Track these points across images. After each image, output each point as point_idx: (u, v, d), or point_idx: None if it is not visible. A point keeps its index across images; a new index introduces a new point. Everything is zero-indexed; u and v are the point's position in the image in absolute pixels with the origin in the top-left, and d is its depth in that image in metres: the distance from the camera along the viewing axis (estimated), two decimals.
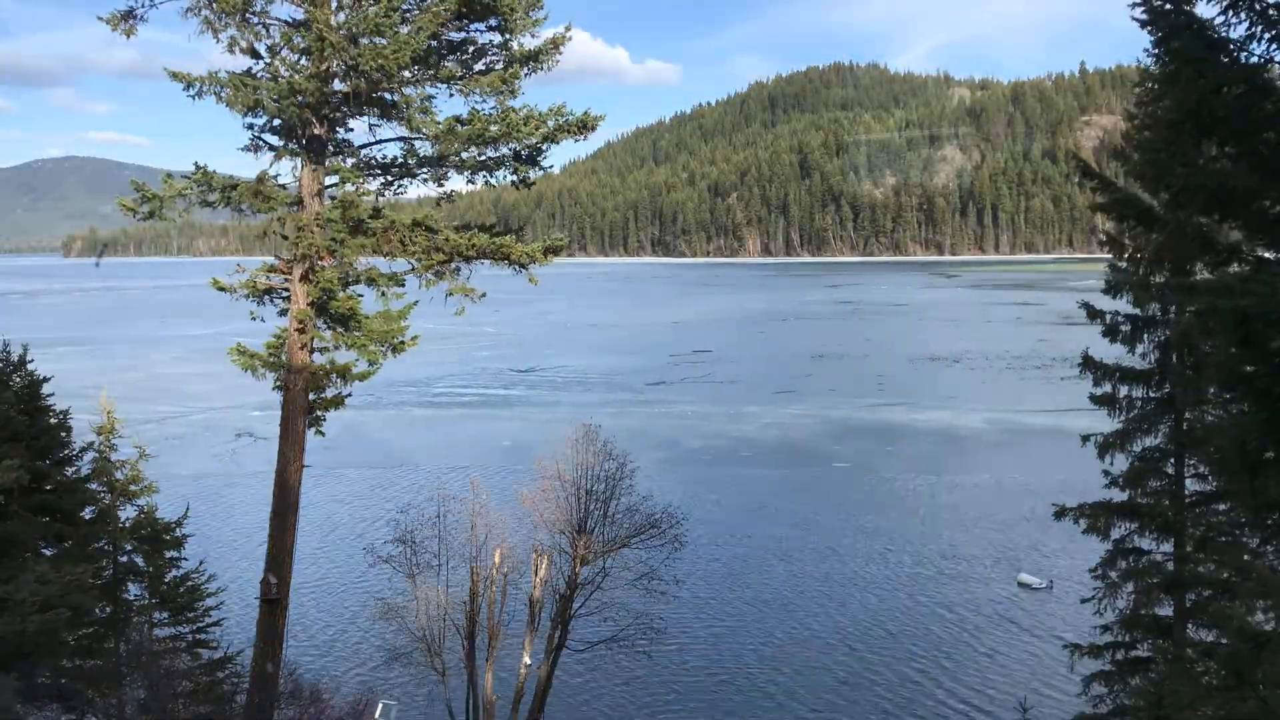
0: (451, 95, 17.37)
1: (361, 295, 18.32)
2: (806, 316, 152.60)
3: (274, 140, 17.11)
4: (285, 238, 17.51)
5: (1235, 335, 8.38)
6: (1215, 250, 10.83)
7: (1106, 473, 19.67)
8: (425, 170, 17.79)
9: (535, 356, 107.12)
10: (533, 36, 16.92)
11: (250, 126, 16.91)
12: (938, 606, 36.03)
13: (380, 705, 26.92)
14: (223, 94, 16.19)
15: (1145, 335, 18.80)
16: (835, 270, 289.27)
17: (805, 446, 62.43)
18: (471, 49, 17.11)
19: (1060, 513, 20.09)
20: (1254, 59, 8.23)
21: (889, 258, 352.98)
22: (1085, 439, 19.94)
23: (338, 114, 17.25)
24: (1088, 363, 19.60)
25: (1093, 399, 19.82)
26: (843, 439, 64.68)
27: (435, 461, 55.36)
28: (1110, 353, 19.64)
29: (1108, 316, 19.10)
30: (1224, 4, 8.06)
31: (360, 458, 58.38)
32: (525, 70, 17.11)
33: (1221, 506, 18.61)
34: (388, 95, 17.13)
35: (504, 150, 17.39)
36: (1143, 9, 8.55)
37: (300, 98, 16.45)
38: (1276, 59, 8.19)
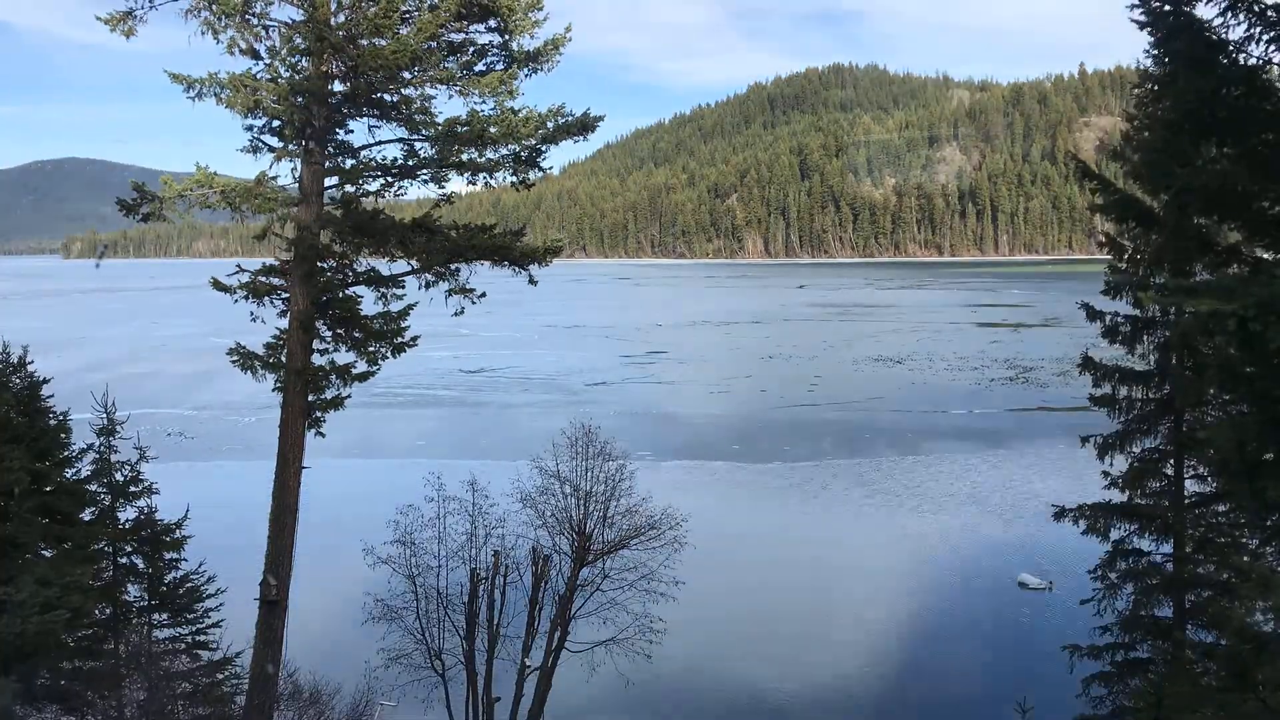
0: (451, 97, 17.40)
1: (361, 296, 18.34)
2: (793, 319, 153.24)
3: (274, 141, 17.13)
4: (285, 239, 17.53)
5: (1235, 336, 8.39)
6: (1215, 251, 10.87)
7: (1106, 474, 19.69)
8: (425, 171, 17.81)
9: (493, 358, 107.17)
10: (532, 37, 16.95)
11: (250, 128, 16.93)
12: (936, 606, 36.02)
13: (380, 706, 26.88)
14: (223, 95, 16.21)
15: (1145, 336, 18.83)
16: (826, 271, 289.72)
17: (778, 446, 62.47)
18: (471, 50, 17.13)
19: (1060, 513, 20.14)
20: (1253, 60, 8.25)
21: (889, 259, 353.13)
22: (1085, 440, 19.97)
23: (337, 115, 17.26)
24: (1087, 363, 19.64)
25: (1092, 400, 19.86)
26: (831, 438, 64.70)
27: (444, 461, 55.42)
28: (1109, 354, 19.66)
29: (1107, 317, 19.13)
30: (1223, 5, 8.08)
31: (359, 457, 58.45)
32: (525, 71, 17.14)
33: (1221, 508, 18.65)
34: (387, 96, 17.15)
35: (503, 151, 17.41)
36: (1142, 10, 8.57)
37: (300, 99, 16.47)
38: (1275, 60, 8.20)
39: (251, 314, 17.61)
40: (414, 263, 17.90)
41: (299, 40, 16.74)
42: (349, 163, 17.87)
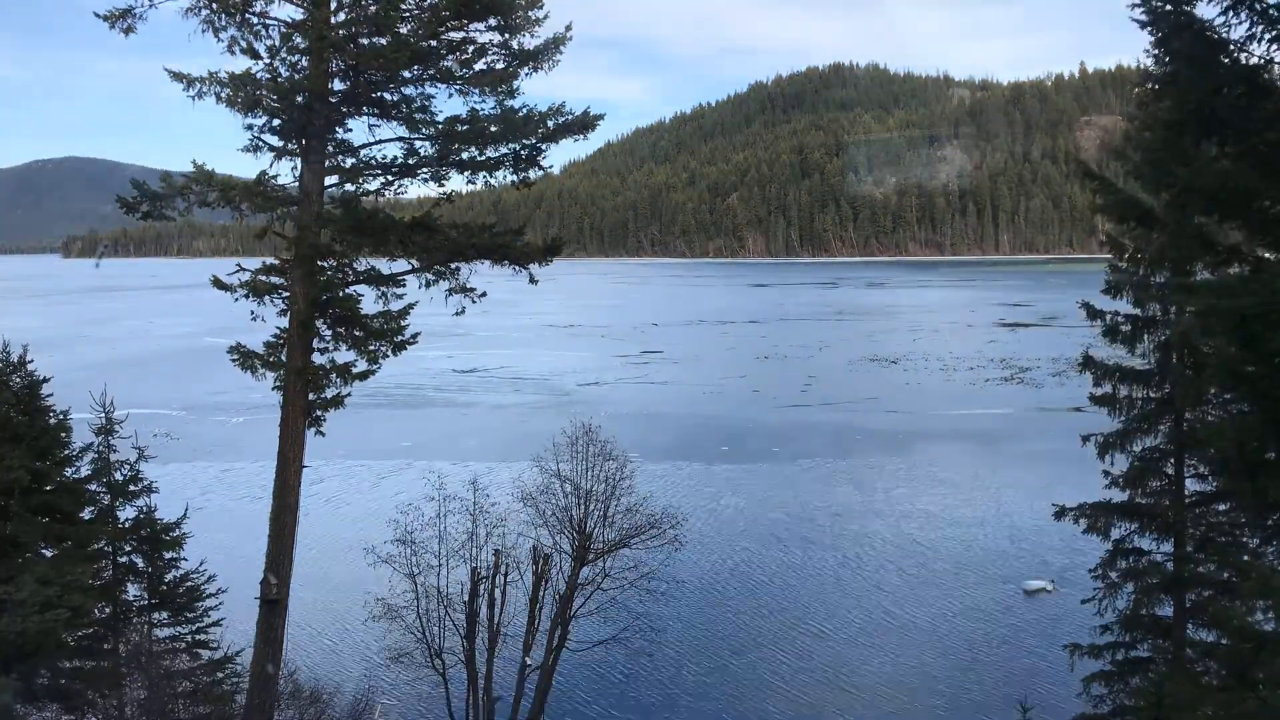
0: (451, 96, 17.39)
1: (361, 295, 18.33)
2: (790, 318, 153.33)
3: (274, 140, 17.11)
4: (285, 238, 17.52)
5: (1235, 336, 8.40)
6: (1215, 250, 10.85)
7: (1106, 473, 19.68)
8: (425, 170, 17.80)
9: (488, 358, 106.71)
10: (533, 36, 16.93)
11: (250, 127, 16.91)
12: (936, 605, 36.03)
13: (380, 705, 26.90)
14: (223, 94, 16.19)
15: (1145, 335, 18.83)
16: (818, 270, 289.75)
17: (780, 447, 62.46)
18: (471, 48, 17.10)
19: (1060, 513, 20.14)
20: (1254, 59, 8.24)
21: (889, 258, 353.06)
22: (1085, 439, 19.97)
23: (337, 114, 17.25)
24: (1088, 362, 19.64)
25: (1093, 399, 19.85)
26: (823, 439, 64.66)
27: (433, 461, 55.50)
28: (1109, 353, 19.65)
29: (1108, 316, 19.13)
30: (1224, 4, 8.06)
31: (361, 457, 58.45)
32: (525, 70, 17.12)
33: (1221, 506, 18.65)
34: (387, 95, 17.14)
35: (503, 150, 17.40)
36: (1143, 9, 8.55)
37: (300, 98, 16.45)
38: (1277, 59, 8.18)
39: (252, 313, 17.58)
40: (414, 262, 17.89)
41: (299, 39, 16.73)
42: (349, 161, 17.86)
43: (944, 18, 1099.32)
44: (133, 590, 21.99)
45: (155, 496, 22.00)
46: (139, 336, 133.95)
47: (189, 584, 22.05)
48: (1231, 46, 8.21)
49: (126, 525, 21.46)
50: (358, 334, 18.09)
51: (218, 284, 17.67)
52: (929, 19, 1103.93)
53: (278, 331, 18.06)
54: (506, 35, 16.99)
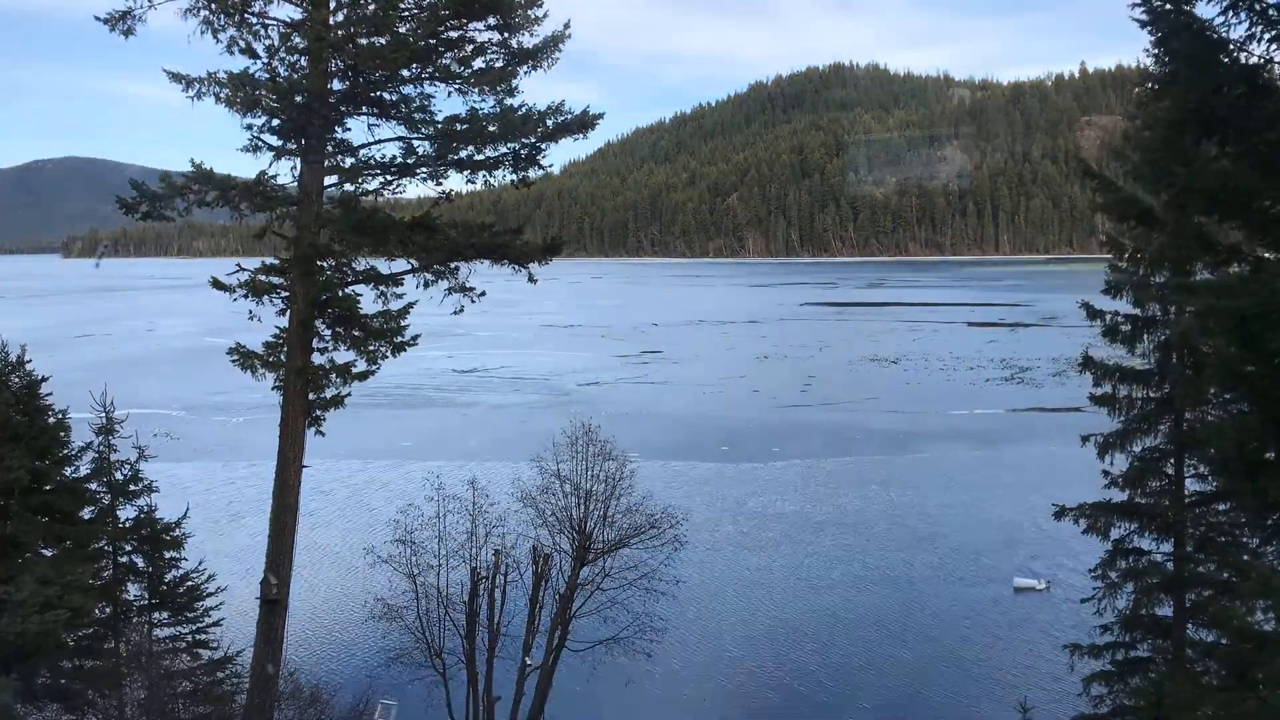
0: (450, 95, 17.36)
1: (361, 295, 18.30)
2: (790, 318, 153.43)
3: (273, 140, 17.08)
4: (284, 238, 17.49)
5: (1235, 336, 8.39)
6: (1215, 250, 10.85)
7: (1106, 473, 19.68)
8: (424, 170, 17.76)
9: (488, 358, 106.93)
10: (531, 35, 16.90)
11: (249, 127, 16.88)
12: (937, 607, 36.03)
13: (380, 705, 26.91)
14: (222, 94, 16.17)
15: (1145, 335, 18.81)
16: (818, 270, 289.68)
17: (784, 448, 62.46)
18: (470, 47, 17.08)
19: (1060, 513, 20.13)
20: (1254, 59, 8.23)
21: (889, 257, 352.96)
22: (1085, 439, 19.96)
23: (336, 114, 17.23)
24: (1088, 362, 19.63)
25: (1093, 399, 19.85)
26: (822, 439, 64.65)
27: (433, 461, 55.51)
28: (1109, 353, 19.64)
29: (1108, 316, 19.12)
30: (1224, 4, 8.05)
31: (361, 457, 58.43)
32: (524, 69, 17.09)
33: (1221, 506, 18.64)
34: (386, 94, 17.12)
35: (503, 149, 17.37)
36: (1143, 9, 8.54)
37: (299, 98, 16.44)
38: (1277, 59, 8.18)
39: (251, 313, 17.54)
40: (413, 261, 17.86)
41: (298, 39, 16.72)
42: (348, 161, 17.82)
43: (851, 25, 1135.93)
44: (133, 590, 21.99)
45: (155, 496, 22.00)
46: (139, 336, 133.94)
47: (189, 584, 22.05)
48: (1231, 46, 8.20)
49: (127, 525, 21.46)
50: (357, 334, 18.05)
51: (217, 285, 17.64)
52: (838, 29, 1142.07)
53: (278, 331, 18.03)
54: (505, 34, 16.95)
